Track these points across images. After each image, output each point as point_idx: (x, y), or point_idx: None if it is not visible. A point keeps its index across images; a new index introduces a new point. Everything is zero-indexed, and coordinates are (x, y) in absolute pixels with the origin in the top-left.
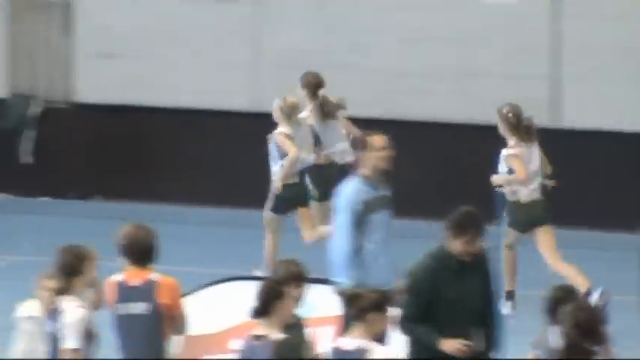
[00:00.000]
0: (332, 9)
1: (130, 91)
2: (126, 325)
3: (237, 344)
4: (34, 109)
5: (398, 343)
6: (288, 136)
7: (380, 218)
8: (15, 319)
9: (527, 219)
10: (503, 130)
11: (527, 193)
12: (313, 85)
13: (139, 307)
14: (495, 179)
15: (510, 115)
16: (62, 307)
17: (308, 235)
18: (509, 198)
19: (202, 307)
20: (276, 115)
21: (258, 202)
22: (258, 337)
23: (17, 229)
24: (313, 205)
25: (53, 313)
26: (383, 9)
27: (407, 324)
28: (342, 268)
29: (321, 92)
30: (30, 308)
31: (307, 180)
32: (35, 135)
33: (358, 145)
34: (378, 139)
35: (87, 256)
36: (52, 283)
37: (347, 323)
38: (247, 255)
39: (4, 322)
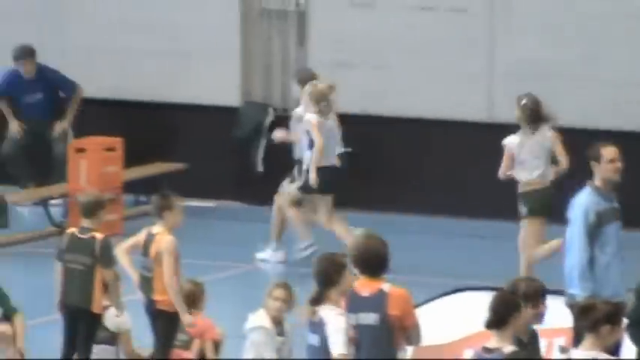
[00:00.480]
0: (562, 20)
1: (364, 101)
2: (357, 335)
3: (469, 354)
4: (268, 118)
5: (629, 353)
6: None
7: (612, 230)
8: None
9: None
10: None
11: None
12: (305, 80)
13: (369, 318)
14: None
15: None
16: (323, 317)
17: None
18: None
19: (436, 316)
20: (305, 102)
21: (490, 212)
22: (489, 350)
23: (250, 237)
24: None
25: (314, 325)
26: (612, 18)
27: (635, 329)
28: (576, 280)
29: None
30: (259, 318)
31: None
32: (267, 143)
33: (591, 156)
34: (609, 151)
35: (344, 266)
36: (281, 293)
37: (579, 335)
38: (478, 264)
39: (237, 330)
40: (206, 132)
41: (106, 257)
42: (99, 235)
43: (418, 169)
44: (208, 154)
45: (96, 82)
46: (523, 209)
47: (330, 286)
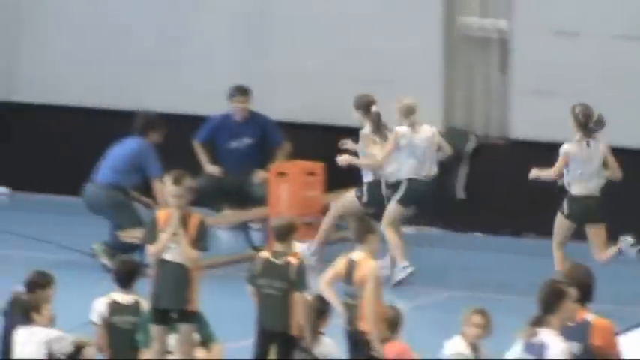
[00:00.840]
0: None
1: (567, 129)
2: None
3: None
4: (470, 145)
5: None
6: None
7: None
8: (442, 354)
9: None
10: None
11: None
12: (364, 104)
13: (572, 347)
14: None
15: (579, 114)
16: (544, 341)
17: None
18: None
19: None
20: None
21: None
22: None
23: (450, 263)
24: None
25: (532, 346)
26: None
27: None
28: None
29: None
30: (456, 345)
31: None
32: (468, 170)
33: None
34: None
35: (564, 294)
36: (479, 319)
37: None
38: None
39: (433, 357)
40: None
41: (301, 282)
42: (294, 260)
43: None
44: None
45: (302, 107)
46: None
47: (549, 313)
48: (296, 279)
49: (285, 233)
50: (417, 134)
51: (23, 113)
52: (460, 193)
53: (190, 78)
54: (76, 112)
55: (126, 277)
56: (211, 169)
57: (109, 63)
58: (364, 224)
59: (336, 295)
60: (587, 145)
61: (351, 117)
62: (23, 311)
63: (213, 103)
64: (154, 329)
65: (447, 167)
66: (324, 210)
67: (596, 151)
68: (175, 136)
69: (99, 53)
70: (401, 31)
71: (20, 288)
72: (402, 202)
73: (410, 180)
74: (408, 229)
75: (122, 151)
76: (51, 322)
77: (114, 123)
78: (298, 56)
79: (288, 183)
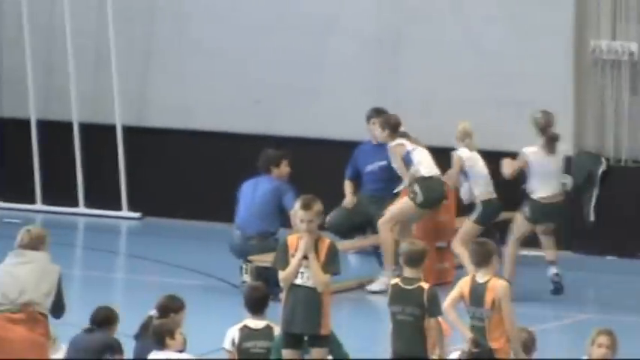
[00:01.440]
0: None
1: None
2: None
3: None
4: (601, 168)
5: None
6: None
7: None
8: None
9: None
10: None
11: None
12: (392, 124)
13: None
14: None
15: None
16: None
17: None
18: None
19: None
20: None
21: None
22: None
23: (580, 286)
24: None
25: None
26: None
27: None
28: None
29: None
30: None
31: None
32: (599, 193)
33: None
34: None
35: None
36: (605, 340)
37: None
38: None
39: None
40: None
41: (434, 307)
42: (425, 285)
43: None
44: None
45: (433, 130)
46: None
47: None
48: (429, 305)
49: (417, 259)
50: (473, 153)
51: (155, 138)
52: (591, 216)
53: (323, 102)
54: (208, 136)
55: (257, 304)
56: (346, 201)
57: (240, 88)
58: (487, 247)
59: (459, 317)
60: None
61: (481, 140)
62: (156, 335)
63: (346, 127)
64: (287, 354)
65: (577, 190)
66: (455, 234)
67: None
68: (308, 161)
69: (230, 78)
70: (532, 55)
71: (153, 312)
72: (478, 221)
73: (484, 201)
74: (538, 252)
75: (260, 195)
76: (183, 347)
77: (245, 147)
78: (430, 80)
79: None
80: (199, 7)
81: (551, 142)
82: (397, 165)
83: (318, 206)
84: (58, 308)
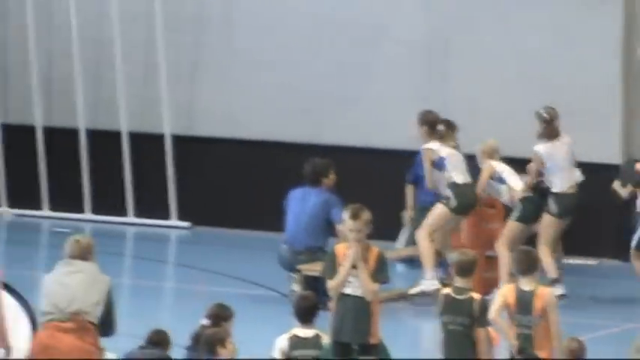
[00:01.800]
0: None
1: None
2: None
3: None
4: None
5: None
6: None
7: None
8: None
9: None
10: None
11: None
12: (430, 121)
13: None
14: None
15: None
16: None
17: None
18: None
19: None
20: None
21: None
22: None
23: (630, 296)
24: None
25: None
26: None
27: None
28: None
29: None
30: None
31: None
32: None
33: None
34: None
35: None
36: None
37: None
38: None
39: None
40: (588, 190)
41: (484, 317)
42: (476, 296)
43: None
44: (589, 212)
45: (481, 139)
46: None
47: None
48: (479, 315)
49: (468, 269)
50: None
51: (203, 147)
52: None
53: (370, 111)
54: (256, 145)
55: (306, 313)
56: (405, 214)
57: (288, 97)
58: (531, 255)
59: (507, 325)
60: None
61: (527, 148)
62: (208, 344)
63: (393, 136)
64: None
65: (625, 199)
66: None
67: None
68: (356, 169)
69: (277, 87)
70: (579, 62)
71: (205, 321)
72: (520, 219)
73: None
74: (589, 261)
75: (310, 207)
76: (234, 356)
77: (294, 156)
78: (477, 88)
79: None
80: (248, 17)
81: (557, 134)
82: (425, 168)
83: (366, 215)
84: (107, 325)
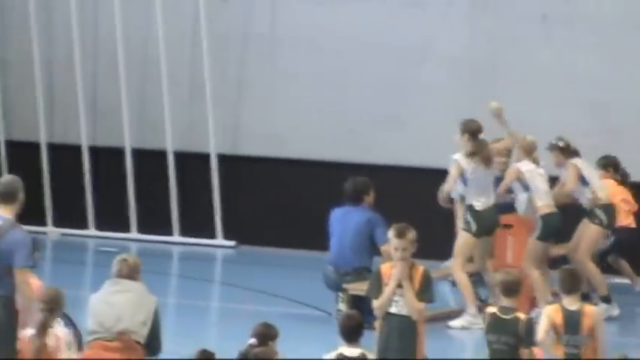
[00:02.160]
0: None
1: None
2: None
3: None
4: None
5: None
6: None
7: None
8: None
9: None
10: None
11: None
12: (473, 130)
13: None
14: None
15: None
16: None
17: None
18: None
19: None
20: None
21: None
22: None
23: None
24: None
25: None
26: None
27: None
28: None
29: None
30: None
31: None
32: None
33: None
34: None
35: None
36: None
37: None
38: None
39: None
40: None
41: (530, 338)
42: (522, 316)
43: None
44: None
45: None
46: None
47: None
48: (525, 335)
49: (513, 289)
50: (539, 169)
51: (249, 166)
52: None
53: (415, 130)
54: (301, 164)
55: (352, 332)
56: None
57: (333, 116)
58: (576, 274)
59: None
60: None
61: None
62: None
63: (438, 155)
64: None
65: None
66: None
67: None
68: (401, 188)
69: (323, 107)
70: (625, 82)
71: (252, 340)
72: (540, 237)
73: (544, 215)
74: (622, 279)
75: (353, 226)
76: None
77: (338, 175)
78: (522, 107)
79: (513, 235)
80: (292, 35)
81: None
82: (450, 175)
83: (411, 234)
84: (153, 345)
